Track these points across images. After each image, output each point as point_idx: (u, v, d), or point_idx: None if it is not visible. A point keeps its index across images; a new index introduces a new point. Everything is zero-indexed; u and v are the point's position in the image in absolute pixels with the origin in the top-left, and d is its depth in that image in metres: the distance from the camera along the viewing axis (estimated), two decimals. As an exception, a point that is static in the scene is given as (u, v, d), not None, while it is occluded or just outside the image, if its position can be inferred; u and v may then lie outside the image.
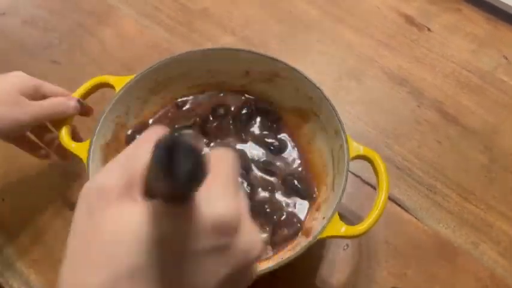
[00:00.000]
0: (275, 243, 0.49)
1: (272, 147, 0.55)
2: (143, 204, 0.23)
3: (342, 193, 0.45)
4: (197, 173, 0.19)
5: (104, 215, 0.23)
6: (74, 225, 0.24)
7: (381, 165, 0.47)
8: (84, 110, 0.51)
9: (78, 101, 0.50)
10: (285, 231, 0.50)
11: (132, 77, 0.53)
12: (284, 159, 0.55)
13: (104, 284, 0.22)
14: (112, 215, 0.23)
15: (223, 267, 0.24)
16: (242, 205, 0.25)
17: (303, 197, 0.52)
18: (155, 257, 0.22)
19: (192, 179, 0.19)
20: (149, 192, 0.23)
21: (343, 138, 0.49)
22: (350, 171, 0.48)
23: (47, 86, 0.50)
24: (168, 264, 0.23)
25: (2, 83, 0.46)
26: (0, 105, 0.45)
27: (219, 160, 0.25)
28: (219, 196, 0.24)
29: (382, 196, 0.45)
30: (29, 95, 0.47)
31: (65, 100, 0.49)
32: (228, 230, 0.23)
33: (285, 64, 0.53)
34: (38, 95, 0.48)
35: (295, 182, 0.53)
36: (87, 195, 0.24)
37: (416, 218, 0.55)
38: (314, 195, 0.52)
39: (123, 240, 0.22)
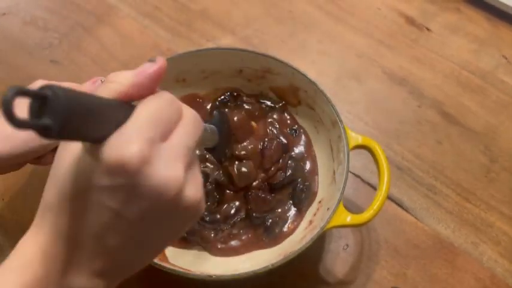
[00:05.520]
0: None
1: (294, 130, 0.56)
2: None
3: (345, 182, 0.46)
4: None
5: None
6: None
7: (380, 154, 0.48)
8: None
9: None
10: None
11: None
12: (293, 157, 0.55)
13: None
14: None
15: (130, 205, 0.25)
16: (153, 147, 0.25)
17: (295, 205, 0.52)
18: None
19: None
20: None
21: (341, 128, 0.49)
22: (350, 172, 0.48)
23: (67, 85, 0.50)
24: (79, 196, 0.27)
25: None
26: None
27: (148, 100, 0.27)
28: (124, 137, 0.25)
29: (385, 183, 0.46)
30: None
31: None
32: (123, 170, 0.24)
33: (277, 59, 0.53)
34: None
35: (300, 193, 0.52)
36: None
37: (416, 217, 0.55)
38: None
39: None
